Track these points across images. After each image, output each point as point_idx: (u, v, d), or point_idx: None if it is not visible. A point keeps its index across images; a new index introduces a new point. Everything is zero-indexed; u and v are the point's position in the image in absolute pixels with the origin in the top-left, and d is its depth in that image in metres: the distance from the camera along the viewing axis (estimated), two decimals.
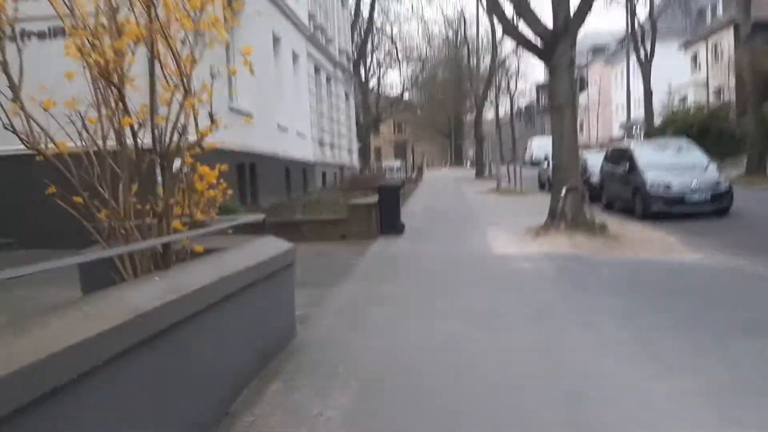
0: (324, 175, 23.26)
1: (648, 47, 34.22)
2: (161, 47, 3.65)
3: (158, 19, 3.31)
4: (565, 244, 9.81)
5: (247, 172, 14.07)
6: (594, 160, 17.37)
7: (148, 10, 3.26)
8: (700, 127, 28.91)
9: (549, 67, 11.02)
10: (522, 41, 11.38)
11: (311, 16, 22.29)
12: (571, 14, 10.55)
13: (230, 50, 14.71)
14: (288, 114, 18.31)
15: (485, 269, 8.16)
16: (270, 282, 4.29)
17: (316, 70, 23.21)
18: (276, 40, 17.90)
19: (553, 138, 10.89)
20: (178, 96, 3.61)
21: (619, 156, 15.18)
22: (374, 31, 41.84)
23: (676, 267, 8.11)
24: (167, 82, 3.62)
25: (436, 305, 6.12)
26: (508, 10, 13.04)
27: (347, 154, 29.45)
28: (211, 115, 4.37)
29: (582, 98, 60.84)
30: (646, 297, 6.26)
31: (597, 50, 65.89)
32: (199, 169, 4.05)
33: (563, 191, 10.66)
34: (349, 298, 6.57)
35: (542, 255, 9.04)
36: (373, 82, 48.36)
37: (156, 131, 3.57)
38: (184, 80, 3.55)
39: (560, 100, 10.63)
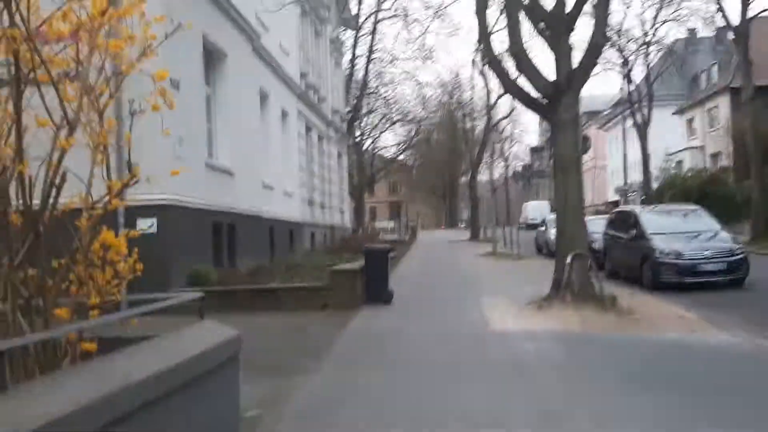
0: (313, 235, 22.22)
1: (645, 111, 33.92)
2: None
3: (26, 22, 2.32)
4: (573, 320, 8.71)
5: (225, 232, 13.02)
6: (595, 225, 16.42)
7: (7, 8, 2.27)
8: (699, 192, 28.24)
9: (552, 124, 10.20)
10: (523, 98, 10.58)
11: (303, 75, 21.75)
12: (575, 68, 9.80)
13: (211, 103, 13.97)
14: (275, 172, 17.43)
15: (482, 352, 7.02)
16: (198, 387, 3.17)
17: (308, 128, 22.52)
18: (264, 97, 17.20)
19: (557, 200, 9.95)
20: (63, 136, 2.59)
21: (625, 221, 14.23)
22: (368, 92, 41.68)
23: (703, 351, 7.02)
24: (49, 115, 2.61)
25: (425, 406, 4.95)
26: (507, 66, 12.40)
27: (338, 214, 28.51)
28: (129, 165, 3.36)
29: None
30: (679, 395, 5.14)
31: (591, 115, 66.27)
32: (102, 236, 3.00)
33: (569, 259, 9.64)
34: (317, 392, 5.39)
35: (548, 333, 7.92)
36: (367, 143, 48.01)
37: (24, 183, 2.52)
38: (70, 113, 2.54)
39: (565, 160, 9.74)
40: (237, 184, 14.00)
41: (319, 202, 23.95)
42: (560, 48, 9.88)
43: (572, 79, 9.67)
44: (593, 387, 5.44)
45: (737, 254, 12.03)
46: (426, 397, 5.20)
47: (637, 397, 5.07)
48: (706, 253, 11.94)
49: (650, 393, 5.17)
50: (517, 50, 10.10)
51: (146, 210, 10.72)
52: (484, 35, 11.13)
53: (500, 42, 31.41)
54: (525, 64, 10.09)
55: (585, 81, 9.99)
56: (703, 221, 13.33)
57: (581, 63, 9.90)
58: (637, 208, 14.43)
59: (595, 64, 10.16)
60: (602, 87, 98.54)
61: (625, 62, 31.29)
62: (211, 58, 13.77)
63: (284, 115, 19.22)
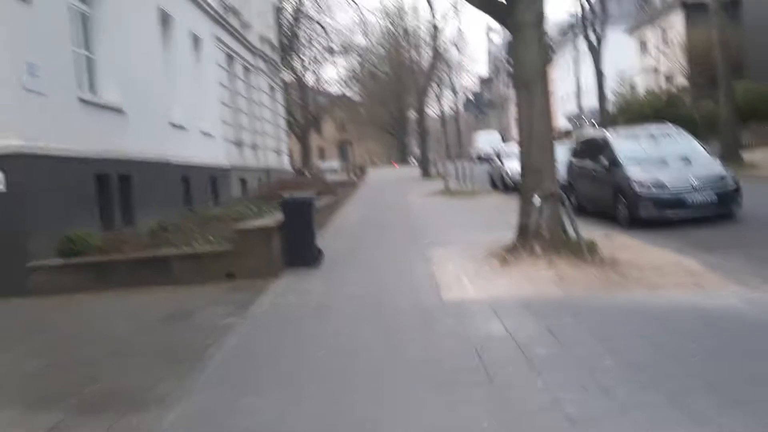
0: (244, 181, 19.75)
1: (598, 30, 31.92)
2: None
3: None
4: (547, 279, 6.78)
5: (115, 185, 10.55)
6: (557, 154, 14.46)
7: None
8: (656, 114, 26.73)
9: (511, 29, 7.97)
10: None
11: None
12: None
13: (89, 25, 11.19)
14: (187, 109, 14.80)
15: (432, 341, 5.00)
16: None
17: (229, 57, 19.68)
18: (165, 19, 14.36)
19: (519, 126, 7.87)
20: None
21: (593, 149, 12.30)
22: (303, 18, 38.35)
23: (727, 319, 5.16)
24: None
25: None
26: None
27: (275, 156, 25.93)
28: None
29: None
30: (729, 415, 3.25)
31: None
32: None
33: (537, 199, 7.66)
34: None
35: (517, 302, 5.97)
36: (310, 78, 44.82)
37: None
38: None
39: (528, 73, 7.58)
40: (131, 125, 11.43)
41: (250, 143, 21.37)
42: None
43: None
44: (602, 404, 3.47)
45: (728, 182, 10.26)
46: None
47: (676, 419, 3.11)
48: (693, 182, 10.12)
49: (684, 414, 3.22)
50: None
51: None
52: None
53: None
54: None
55: None
56: (686, 144, 11.47)
57: None
58: (607, 133, 12.48)
59: None
60: (550, 11, 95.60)
61: None
62: None
63: (196, 41, 16.40)
